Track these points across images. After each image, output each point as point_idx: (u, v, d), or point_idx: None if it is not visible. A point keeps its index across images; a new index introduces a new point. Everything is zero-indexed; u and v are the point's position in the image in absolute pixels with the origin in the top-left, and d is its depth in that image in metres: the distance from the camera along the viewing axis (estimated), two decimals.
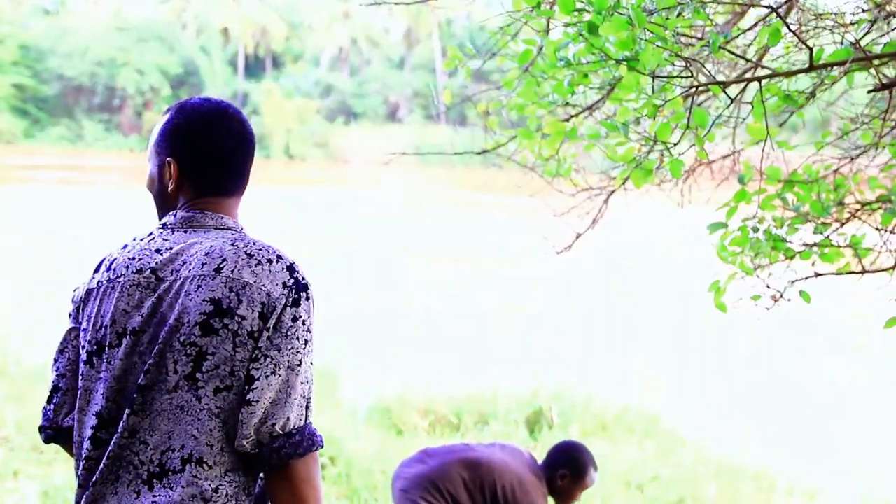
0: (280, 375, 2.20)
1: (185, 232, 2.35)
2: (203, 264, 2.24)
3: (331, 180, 39.01)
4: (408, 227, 25.34)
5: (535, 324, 14.83)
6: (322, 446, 2.26)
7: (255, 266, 2.25)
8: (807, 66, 3.07)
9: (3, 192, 29.84)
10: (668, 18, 2.97)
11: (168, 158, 2.42)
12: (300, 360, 2.23)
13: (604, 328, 14.82)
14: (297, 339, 2.23)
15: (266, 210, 27.05)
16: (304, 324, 2.25)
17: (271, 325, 2.20)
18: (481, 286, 18.19)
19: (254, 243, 2.31)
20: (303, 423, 2.24)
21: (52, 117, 57.20)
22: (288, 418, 2.20)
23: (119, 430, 2.22)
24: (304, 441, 2.22)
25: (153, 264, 2.29)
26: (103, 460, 2.23)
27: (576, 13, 3.03)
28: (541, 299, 16.82)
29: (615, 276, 19.16)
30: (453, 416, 9.23)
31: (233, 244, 2.29)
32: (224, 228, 2.36)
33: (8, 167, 38.27)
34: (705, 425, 9.91)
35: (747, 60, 3.52)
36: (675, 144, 3.23)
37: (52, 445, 7.72)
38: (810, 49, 2.96)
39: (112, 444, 2.23)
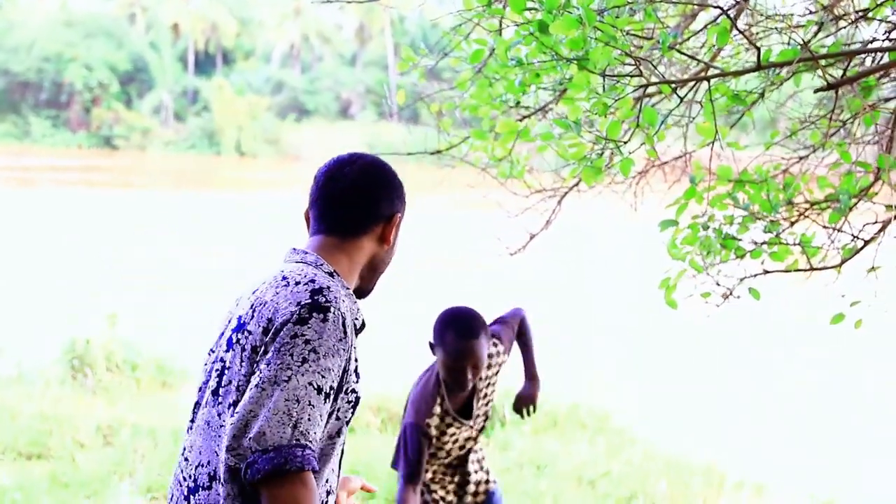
0: (261, 387, 2.16)
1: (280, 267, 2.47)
2: (253, 291, 2.40)
3: (282, 181, 38.80)
4: None
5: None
6: (301, 468, 2.14)
7: (282, 287, 2.30)
8: (755, 65, 3.10)
9: None
10: (618, 17, 2.99)
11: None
12: (288, 377, 2.16)
13: (555, 327, 14.87)
14: (292, 356, 2.18)
15: (221, 214, 26.89)
16: (306, 343, 2.20)
17: (268, 339, 2.22)
18: (433, 285, 18.20)
19: (301, 271, 2.35)
20: (284, 442, 2.14)
21: None
22: (263, 433, 2.13)
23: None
24: (278, 459, 2.12)
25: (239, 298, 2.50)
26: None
27: (527, 12, 3.05)
28: (493, 298, 16.86)
29: (568, 276, 19.25)
30: None
31: (284, 271, 2.38)
32: (301, 262, 2.42)
33: None
34: (655, 422, 9.99)
35: (697, 61, 3.56)
36: (625, 143, 3.25)
37: (0, 444, 7.64)
38: (758, 49, 2.99)
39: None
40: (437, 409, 4.09)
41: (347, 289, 2.41)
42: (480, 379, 4.21)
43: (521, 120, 3.90)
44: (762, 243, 3.65)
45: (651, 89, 3.55)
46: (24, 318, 12.80)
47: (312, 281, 2.29)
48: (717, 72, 3.37)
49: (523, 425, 8.88)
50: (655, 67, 3.43)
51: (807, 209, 3.86)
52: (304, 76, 63.77)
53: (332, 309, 2.25)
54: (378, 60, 64.35)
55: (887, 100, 4.12)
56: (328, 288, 2.29)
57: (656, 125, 3.14)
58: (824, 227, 3.75)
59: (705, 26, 3.63)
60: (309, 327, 2.21)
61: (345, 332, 2.26)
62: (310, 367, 2.19)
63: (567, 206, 4.14)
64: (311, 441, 2.18)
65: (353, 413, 2.38)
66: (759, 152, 3.89)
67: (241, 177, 42.02)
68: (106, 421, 8.44)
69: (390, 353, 12.33)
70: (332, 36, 67.03)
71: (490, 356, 4.23)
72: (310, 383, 2.19)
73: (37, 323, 12.47)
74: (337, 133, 50.84)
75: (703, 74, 3.46)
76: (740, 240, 3.64)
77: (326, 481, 2.36)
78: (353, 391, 2.36)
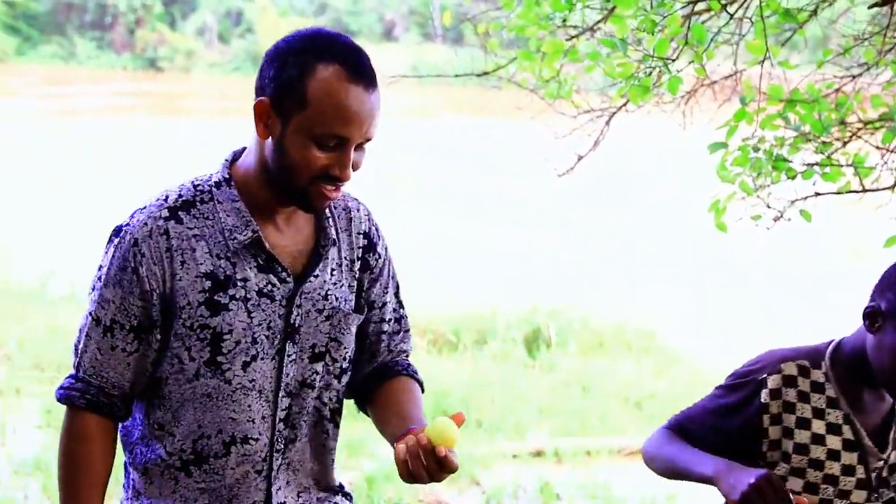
0: None
1: None
2: None
3: None
4: (404, 148, 25.26)
5: (532, 243, 14.85)
6: (58, 399, 2.08)
7: None
8: None
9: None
10: None
11: None
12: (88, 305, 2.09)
13: (602, 247, 14.85)
14: (92, 283, 2.10)
15: None
16: (98, 269, 2.08)
17: None
18: (479, 206, 18.18)
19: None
20: (72, 371, 2.10)
21: (43, 35, 56.52)
22: None
23: None
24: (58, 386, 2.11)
25: None
26: None
27: None
28: (539, 219, 16.83)
29: (615, 197, 19.14)
30: (452, 335, 9.29)
31: None
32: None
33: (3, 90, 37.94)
34: (702, 341, 9.98)
35: None
36: (672, 61, 3.21)
37: (54, 362, 7.79)
38: None
39: None
40: (819, 388, 2.24)
41: (235, 199, 2.05)
42: None
43: (568, 40, 3.85)
44: (814, 164, 3.60)
45: (700, 6, 3.49)
46: (74, 240, 12.96)
47: (156, 196, 2.09)
48: None
49: (569, 345, 8.92)
50: None
51: (859, 129, 3.79)
52: None
53: (122, 233, 2.05)
54: None
55: None
56: (145, 208, 2.06)
57: (705, 43, 3.09)
58: (877, 147, 3.69)
59: None
60: (105, 253, 2.08)
61: (132, 262, 2.01)
62: (93, 295, 2.08)
63: (615, 126, 4.10)
64: (89, 375, 2.06)
65: (211, 352, 2.04)
66: (811, 71, 3.82)
67: None
68: None
69: (434, 275, 12.40)
70: None
71: None
72: (90, 313, 2.07)
73: (87, 245, 12.62)
74: (381, 54, 50.41)
75: None
76: (791, 161, 3.58)
77: (199, 427, 2.08)
78: (205, 326, 2.03)
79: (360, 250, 2.20)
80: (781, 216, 3.56)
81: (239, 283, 2.04)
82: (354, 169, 2.02)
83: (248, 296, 2.05)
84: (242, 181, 2.07)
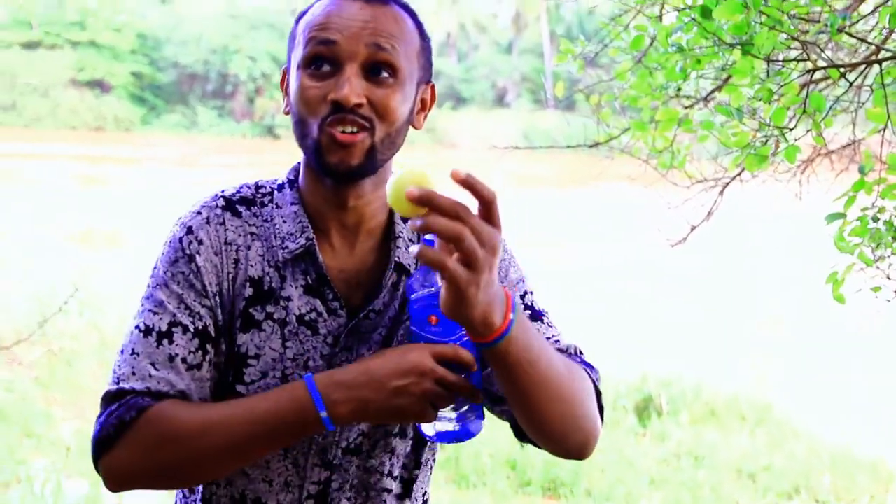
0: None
1: None
2: None
3: (439, 168, 39.08)
4: (517, 213, 25.34)
5: (645, 311, 14.71)
6: (94, 440, 1.56)
7: None
8: None
9: (129, 176, 30.61)
10: (784, 1, 2.92)
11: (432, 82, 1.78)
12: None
13: (715, 317, 14.62)
14: None
15: None
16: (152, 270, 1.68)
17: None
18: (592, 273, 18.10)
19: None
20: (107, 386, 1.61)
21: (167, 104, 58.48)
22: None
23: None
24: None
25: None
26: None
27: None
28: (652, 287, 16.67)
29: (728, 266, 18.88)
30: None
31: None
32: None
33: (129, 158, 39.29)
34: (819, 415, 9.71)
35: (868, 44, 3.44)
36: (790, 129, 3.18)
37: None
38: None
39: None
40: None
41: (295, 202, 1.70)
42: None
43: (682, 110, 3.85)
44: None
45: (818, 74, 3.45)
46: None
47: (211, 193, 1.75)
48: (889, 55, 3.25)
49: (681, 415, 8.77)
50: (822, 51, 3.33)
51: None
52: (461, 65, 64.05)
53: (177, 224, 1.68)
54: (534, 48, 64.15)
55: None
56: (196, 203, 1.71)
57: (824, 111, 3.06)
58: None
59: (876, 8, 3.51)
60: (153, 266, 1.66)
61: (188, 250, 1.61)
62: (139, 308, 1.63)
63: (729, 195, 4.06)
64: (132, 391, 1.58)
65: (233, 376, 1.63)
66: None
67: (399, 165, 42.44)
68: None
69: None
70: (488, 24, 67.17)
71: None
72: (134, 328, 1.61)
73: None
74: (493, 121, 50.89)
75: (873, 58, 3.35)
76: None
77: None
78: (232, 341, 1.63)
79: None
80: None
81: (281, 302, 1.64)
82: (380, 109, 1.62)
83: (287, 320, 1.64)
84: (303, 184, 1.73)
